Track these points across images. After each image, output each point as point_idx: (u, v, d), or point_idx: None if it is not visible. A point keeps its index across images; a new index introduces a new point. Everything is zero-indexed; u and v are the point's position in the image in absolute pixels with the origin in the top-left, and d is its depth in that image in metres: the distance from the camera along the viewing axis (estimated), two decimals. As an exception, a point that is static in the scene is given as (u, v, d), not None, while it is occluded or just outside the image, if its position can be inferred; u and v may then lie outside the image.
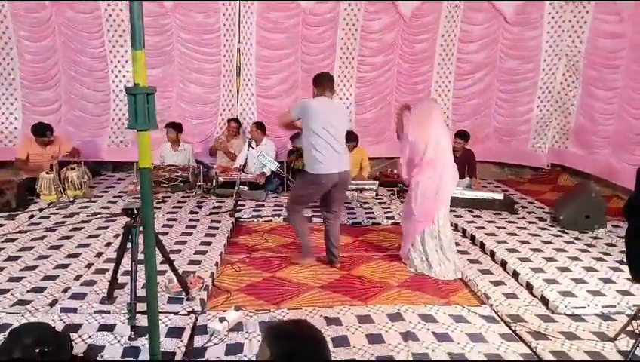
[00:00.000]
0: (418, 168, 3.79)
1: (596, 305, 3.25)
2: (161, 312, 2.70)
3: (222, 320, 2.87)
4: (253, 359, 2.57)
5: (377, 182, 6.11)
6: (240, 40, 6.80)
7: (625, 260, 3.91)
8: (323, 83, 3.76)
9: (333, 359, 1.48)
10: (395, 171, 6.50)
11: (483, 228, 4.78)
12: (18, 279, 3.37)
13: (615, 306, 3.24)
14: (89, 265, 3.64)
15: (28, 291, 3.21)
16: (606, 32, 6.36)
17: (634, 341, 2.72)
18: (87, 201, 5.30)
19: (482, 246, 4.32)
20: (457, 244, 4.37)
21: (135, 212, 2.89)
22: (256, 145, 5.99)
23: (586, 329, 2.98)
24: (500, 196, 5.54)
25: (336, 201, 3.87)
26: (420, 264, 3.86)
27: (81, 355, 2.49)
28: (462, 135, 6.19)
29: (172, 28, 6.65)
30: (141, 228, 2.79)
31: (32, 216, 4.74)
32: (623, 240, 4.43)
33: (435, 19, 7.02)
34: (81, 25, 6.52)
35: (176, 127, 6.19)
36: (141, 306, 2.72)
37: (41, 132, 5.65)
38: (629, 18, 5.92)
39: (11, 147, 6.43)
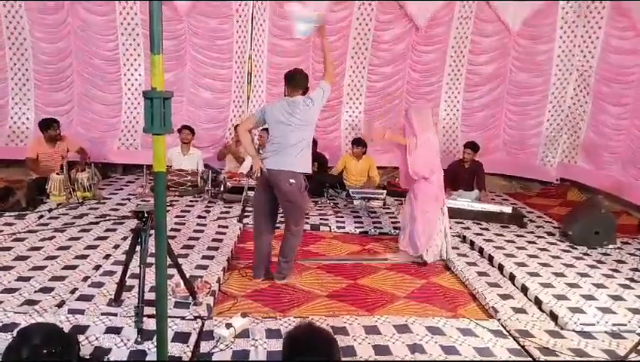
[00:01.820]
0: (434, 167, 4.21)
1: (606, 322, 3.21)
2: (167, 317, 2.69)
3: (228, 326, 2.86)
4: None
5: (385, 192, 6.09)
6: (252, 46, 6.85)
7: (635, 278, 3.93)
8: (294, 81, 3.69)
9: None
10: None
11: (491, 240, 4.75)
12: (27, 279, 3.38)
13: (626, 324, 3.21)
14: (97, 267, 3.64)
15: (36, 291, 3.22)
16: (618, 48, 6.34)
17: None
18: (96, 203, 5.33)
19: (490, 259, 4.29)
20: (465, 256, 4.37)
21: (145, 215, 2.90)
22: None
23: (595, 347, 2.95)
24: (508, 209, 5.50)
25: (287, 217, 3.72)
26: (437, 253, 4.23)
27: (88, 357, 2.48)
28: (472, 146, 6.14)
29: (185, 33, 6.71)
30: (151, 232, 2.82)
31: (41, 216, 4.76)
32: (633, 257, 4.42)
33: (445, 30, 7.04)
34: (96, 27, 6.59)
35: (191, 129, 6.27)
36: (148, 310, 2.73)
37: (47, 125, 5.58)
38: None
39: (23, 146, 6.47)
